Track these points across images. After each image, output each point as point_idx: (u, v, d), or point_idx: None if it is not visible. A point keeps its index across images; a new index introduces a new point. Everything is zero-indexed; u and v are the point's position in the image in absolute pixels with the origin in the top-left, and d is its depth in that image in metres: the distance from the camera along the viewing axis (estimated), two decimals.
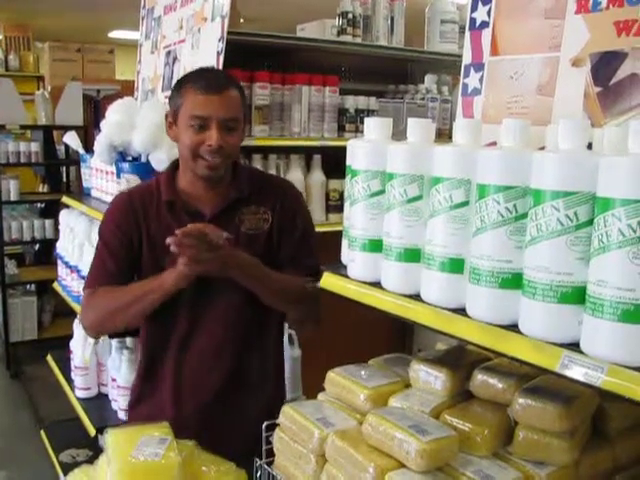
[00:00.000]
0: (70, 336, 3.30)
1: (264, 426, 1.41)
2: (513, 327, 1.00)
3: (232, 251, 1.71)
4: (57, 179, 6.20)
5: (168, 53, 3.35)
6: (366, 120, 1.28)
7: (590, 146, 1.10)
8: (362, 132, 1.30)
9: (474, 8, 1.64)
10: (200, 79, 1.78)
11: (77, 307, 3.23)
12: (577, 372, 0.89)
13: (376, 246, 1.21)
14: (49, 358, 3.67)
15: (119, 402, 2.82)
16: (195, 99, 1.72)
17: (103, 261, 1.86)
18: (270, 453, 1.43)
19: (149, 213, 1.84)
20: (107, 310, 1.81)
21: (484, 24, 1.61)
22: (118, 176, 2.71)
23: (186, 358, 1.84)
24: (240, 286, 1.77)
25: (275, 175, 2.71)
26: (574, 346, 0.92)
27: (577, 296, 0.91)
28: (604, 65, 1.33)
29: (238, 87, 1.81)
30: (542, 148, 1.15)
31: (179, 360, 1.84)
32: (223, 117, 1.72)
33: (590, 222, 0.90)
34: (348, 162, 1.31)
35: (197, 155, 1.73)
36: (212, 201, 1.82)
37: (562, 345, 0.93)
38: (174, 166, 1.90)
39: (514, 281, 0.99)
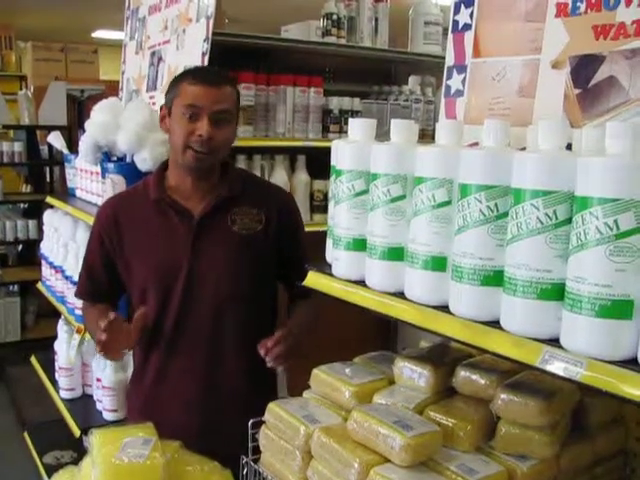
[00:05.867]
0: (54, 337, 3.29)
1: (250, 423, 1.43)
2: (495, 323, 1.02)
3: (293, 340, 1.73)
4: (40, 179, 6.16)
5: (153, 54, 3.35)
6: (350, 121, 1.30)
7: (570, 146, 1.13)
8: (346, 133, 1.32)
9: (457, 11, 1.66)
10: (197, 73, 1.85)
11: (61, 308, 3.22)
12: (557, 367, 0.91)
13: (360, 245, 1.23)
14: (33, 359, 3.65)
15: (104, 403, 2.82)
16: (190, 89, 1.75)
17: (84, 276, 1.98)
18: (256, 450, 1.44)
19: (134, 214, 1.86)
20: (88, 331, 2.07)
21: (466, 26, 1.63)
22: (103, 176, 2.70)
23: (169, 364, 1.85)
24: (224, 293, 1.81)
25: (268, 181, 2.72)
26: (554, 341, 0.94)
27: (556, 292, 0.93)
28: (583, 68, 1.35)
29: (233, 86, 1.84)
30: (523, 148, 1.18)
31: (164, 365, 1.86)
32: (215, 109, 1.73)
33: (569, 220, 0.92)
34: (332, 162, 1.33)
35: (187, 146, 1.75)
36: (201, 200, 1.83)
37: (542, 341, 0.95)
38: (163, 166, 1.92)
39: (495, 278, 1.01)
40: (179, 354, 1.84)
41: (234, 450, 1.47)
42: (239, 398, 1.85)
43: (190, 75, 1.81)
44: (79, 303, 2.47)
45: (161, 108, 1.86)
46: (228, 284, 1.81)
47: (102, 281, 1.92)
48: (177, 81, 1.82)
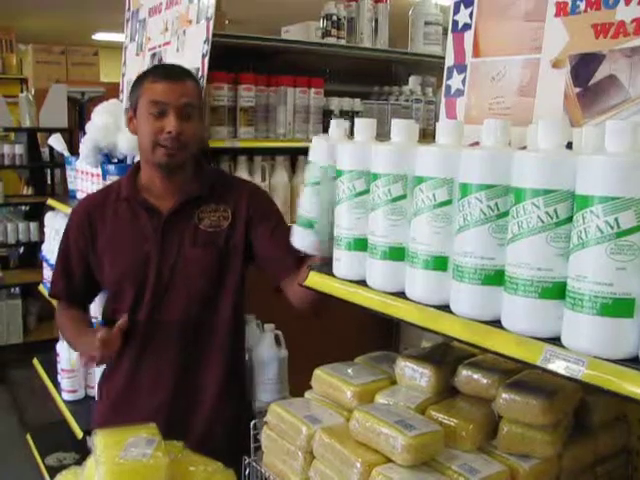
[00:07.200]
0: (56, 339, 3.30)
1: (252, 424, 1.43)
2: (496, 323, 1.02)
3: None
4: (41, 182, 6.17)
5: (153, 55, 3.35)
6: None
7: (570, 145, 1.13)
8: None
9: (456, 10, 1.66)
10: (157, 70, 1.88)
11: None
12: (559, 366, 0.91)
13: (361, 245, 1.23)
14: (35, 361, 3.65)
15: None
16: (153, 87, 1.77)
17: (59, 274, 1.96)
18: (258, 451, 1.44)
19: (106, 211, 1.88)
20: (62, 335, 2.04)
21: (466, 26, 1.63)
22: (104, 178, 2.71)
23: (142, 362, 1.87)
24: (193, 290, 1.82)
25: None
26: (555, 340, 0.94)
27: (557, 291, 0.93)
28: (583, 66, 1.35)
29: (194, 79, 1.86)
30: (524, 148, 1.17)
31: (136, 362, 1.87)
32: (181, 103, 1.75)
33: (569, 219, 0.92)
34: (311, 158, 1.33)
35: (156, 143, 1.76)
36: (171, 198, 1.85)
37: (544, 339, 0.94)
38: (137, 166, 1.93)
39: (496, 278, 1.01)
40: (151, 352, 1.85)
41: (203, 451, 1.50)
42: (209, 399, 1.87)
43: (151, 73, 1.83)
44: None
45: (127, 111, 1.87)
46: (196, 282, 1.82)
47: (77, 279, 1.92)
48: (139, 81, 1.83)
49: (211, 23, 2.75)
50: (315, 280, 1.34)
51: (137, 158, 2.54)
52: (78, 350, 1.90)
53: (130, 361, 1.87)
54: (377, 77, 3.80)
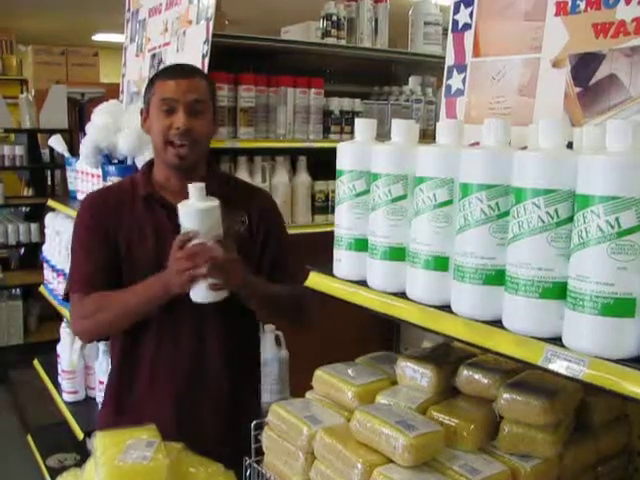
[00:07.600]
0: (56, 340, 3.30)
1: (253, 425, 1.43)
2: (497, 323, 1.02)
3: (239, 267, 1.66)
4: (42, 183, 6.18)
5: (153, 56, 3.35)
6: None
7: (570, 145, 1.13)
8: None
9: (456, 10, 1.66)
10: (168, 69, 1.92)
11: (64, 311, 3.22)
12: (560, 366, 0.91)
13: (362, 245, 1.23)
14: (36, 362, 3.65)
15: None
16: (163, 84, 1.79)
17: (82, 262, 1.84)
18: (259, 452, 1.44)
19: (123, 209, 1.85)
20: (103, 321, 1.79)
21: (466, 26, 1.63)
22: (104, 179, 2.71)
23: (159, 368, 1.84)
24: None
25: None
26: (557, 340, 0.94)
27: (558, 291, 0.93)
28: (583, 66, 1.35)
29: (206, 78, 1.88)
30: (524, 148, 1.17)
31: (150, 370, 1.85)
32: (190, 99, 1.76)
33: (570, 219, 0.92)
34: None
35: (167, 141, 1.76)
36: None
37: (545, 339, 0.94)
38: (150, 163, 1.93)
39: (497, 277, 1.01)
40: (164, 359, 1.83)
41: (211, 448, 1.50)
42: (220, 398, 1.86)
43: (162, 73, 1.87)
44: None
45: (141, 112, 1.89)
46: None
47: (112, 268, 1.81)
48: (151, 81, 1.86)
49: (211, 23, 2.75)
50: (316, 280, 1.34)
51: (137, 159, 2.55)
52: (151, 293, 1.71)
53: (149, 356, 1.84)
54: (377, 77, 3.80)
